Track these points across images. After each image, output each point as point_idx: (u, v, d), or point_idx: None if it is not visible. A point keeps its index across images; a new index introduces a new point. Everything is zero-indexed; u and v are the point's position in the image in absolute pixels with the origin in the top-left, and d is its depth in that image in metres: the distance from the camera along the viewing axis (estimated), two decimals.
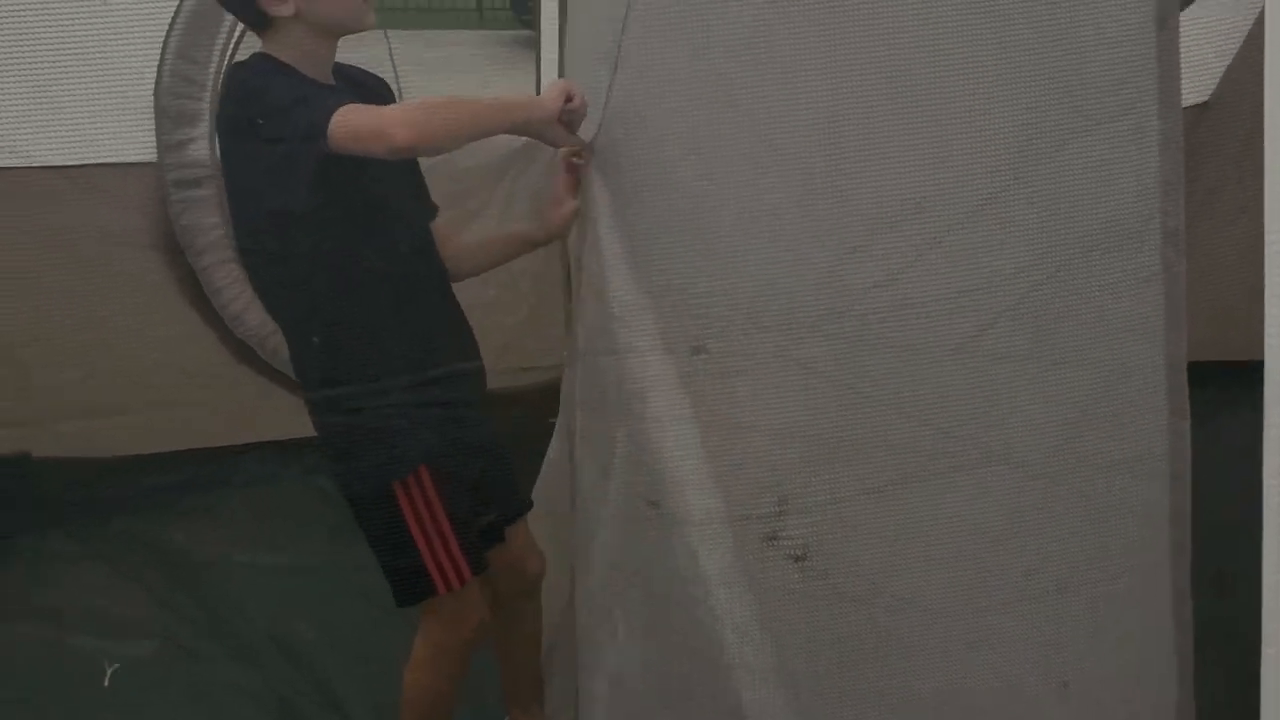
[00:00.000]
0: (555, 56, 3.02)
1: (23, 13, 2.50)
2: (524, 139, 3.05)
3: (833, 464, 1.13)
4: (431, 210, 1.91)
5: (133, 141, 2.66)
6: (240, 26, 2.59)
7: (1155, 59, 1.14)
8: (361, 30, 1.72)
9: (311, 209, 1.65)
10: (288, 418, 3.03)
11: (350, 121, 1.57)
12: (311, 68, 1.68)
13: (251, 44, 1.83)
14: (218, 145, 1.77)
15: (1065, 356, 1.13)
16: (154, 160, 2.67)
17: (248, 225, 1.79)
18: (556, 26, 2.97)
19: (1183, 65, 2.63)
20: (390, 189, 1.80)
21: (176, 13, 2.56)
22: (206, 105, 2.65)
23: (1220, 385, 1.87)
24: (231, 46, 2.62)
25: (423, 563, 1.80)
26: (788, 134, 1.12)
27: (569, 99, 1.59)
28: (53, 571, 2.78)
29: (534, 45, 3.18)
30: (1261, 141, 1.10)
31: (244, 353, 2.96)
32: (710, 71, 1.21)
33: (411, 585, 1.84)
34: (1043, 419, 1.15)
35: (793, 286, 1.12)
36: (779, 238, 1.13)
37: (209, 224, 2.76)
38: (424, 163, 1.87)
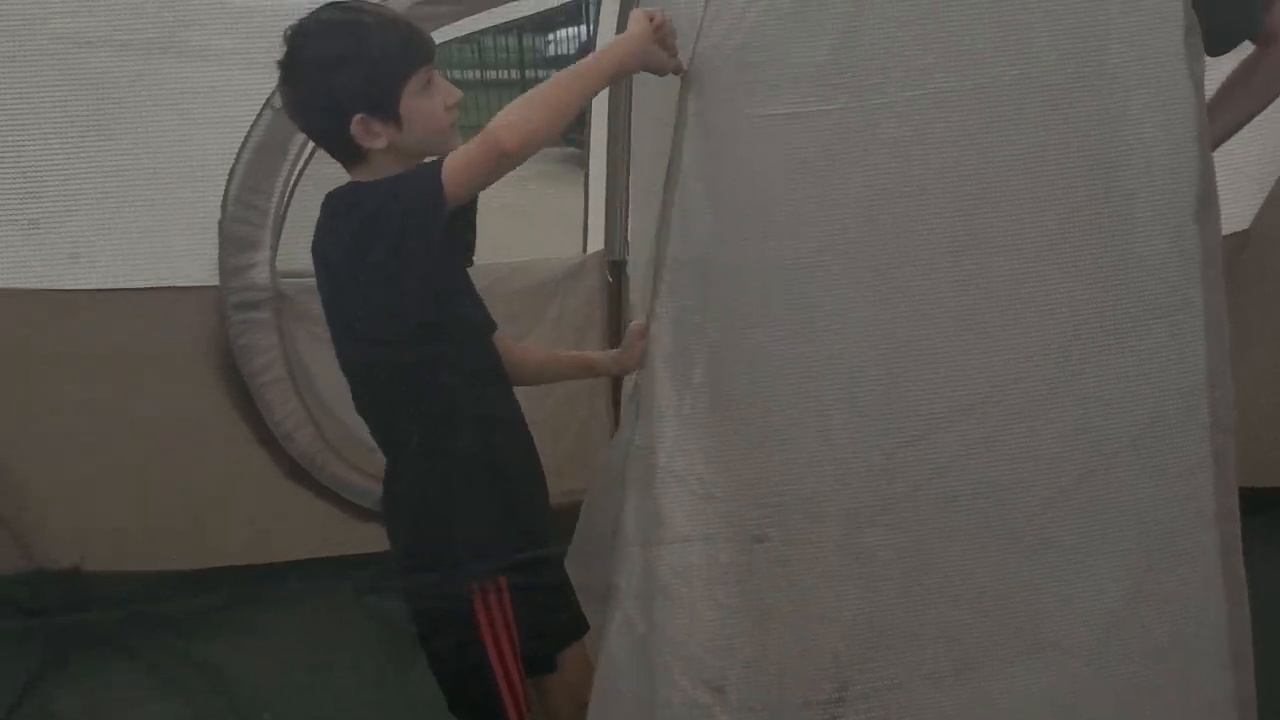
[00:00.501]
0: (602, 172, 3.11)
1: (94, 139, 2.60)
2: (573, 260, 3.16)
3: (891, 651, 1.13)
4: (493, 323, 1.95)
5: (195, 265, 2.73)
6: (304, 158, 2.71)
7: (1199, 249, 1.16)
8: (447, 152, 1.74)
9: (425, 319, 1.72)
10: (336, 535, 3.10)
11: (457, 159, 1.63)
12: None
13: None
14: (326, 268, 1.78)
15: (1115, 545, 1.13)
16: (215, 284, 2.74)
17: (364, 333, 1.79)
18: (605, 146, 3.06)
19: (1223, 192, 2.65)
20: (474, 303, 1.87)
21: (244, 143, 2.64)
22: (268, 232, 2.73)
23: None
24: (295, 176, 2.71)
25: (494, 681, 1.81)
26: (838, 337, 1.15)
27: (652, 20, 1.60)
28: (99, 684, 2.80)
29: (582, 162, 3.27)
30: None
31: (294, 470, 3.00)
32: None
33: (477, 703, 1.85)
34: (1092, 606, 1.14)
35: (850, 479, 1.14)
36: (831, 435, 1.14)
37: (266, 344, 2.82)
38: (477, 285, 1.91)
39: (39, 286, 2.67)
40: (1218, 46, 2.04)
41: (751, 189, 1.27)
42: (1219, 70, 2.09)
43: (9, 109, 2.51)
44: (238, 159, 2.64)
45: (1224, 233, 3.08)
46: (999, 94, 1.11)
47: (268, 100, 2.60)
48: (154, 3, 2.53)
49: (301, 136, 2.64)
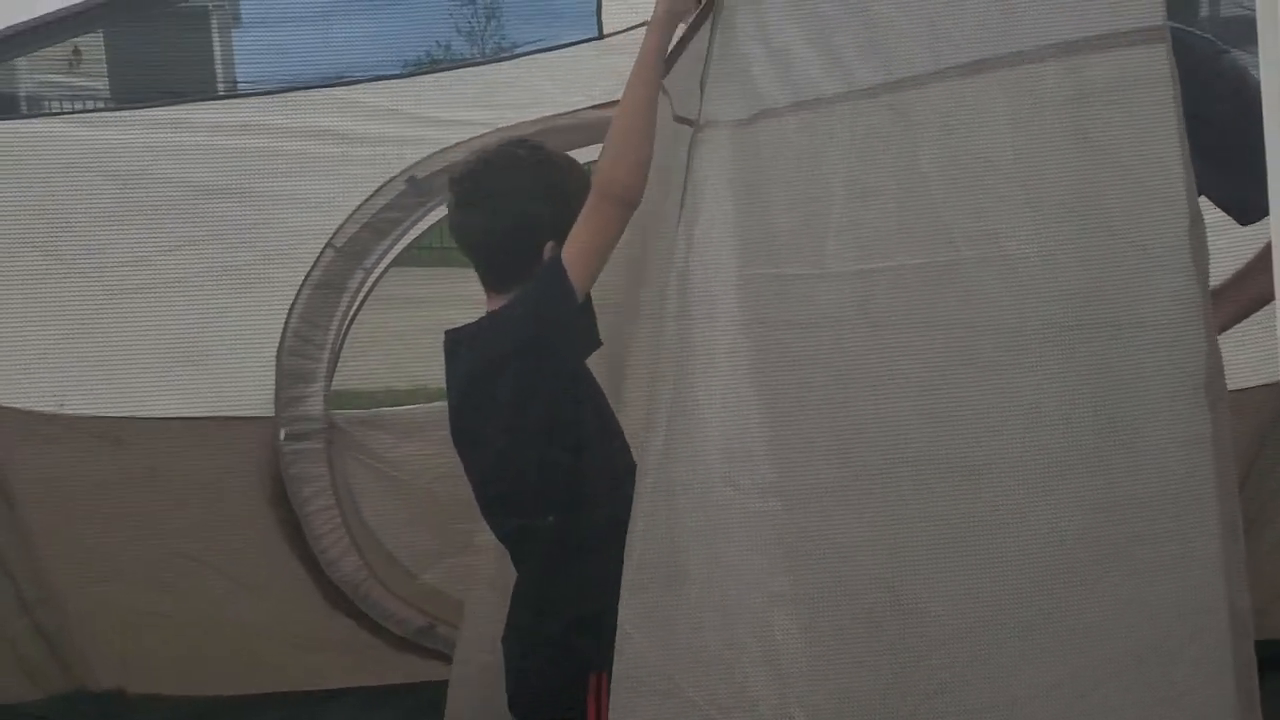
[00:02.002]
0: None
1: (160, 276, 2.73)
2: None
3: None
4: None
5: (253, 397, 2.83)
6: (362, 295, 2.83)
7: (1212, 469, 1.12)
8: None
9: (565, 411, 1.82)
10: (378, 664, 3.12)
11: (581, 238, 1.74)
12: None
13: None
14: (473, 399, 1.89)
15: None
16: (269, 415, 2.84)
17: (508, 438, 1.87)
18: None
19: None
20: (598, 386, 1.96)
21: (305, 279, 2.77)
22: (324, 365, 2.83)
23: None
24: (353, 312, 2.83)
25: None
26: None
27: None
28: None
29: None
30: None
31: (338, 598, 3.04)
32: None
33: None
34: None
35: (858, 696, 1.15)
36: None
37: (315, 474, 2.89)
38: None
39: (109, 414, 2.77)
40: (1250, 216, 2.06)
41: None
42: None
43: None
44: (298, 295, 2.76)
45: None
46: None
47: (329, 240, 2.74)
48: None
49: (361, 275, 2.79)
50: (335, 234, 2.73)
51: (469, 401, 1.89)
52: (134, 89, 2.88)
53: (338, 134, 2.63)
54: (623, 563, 1.84)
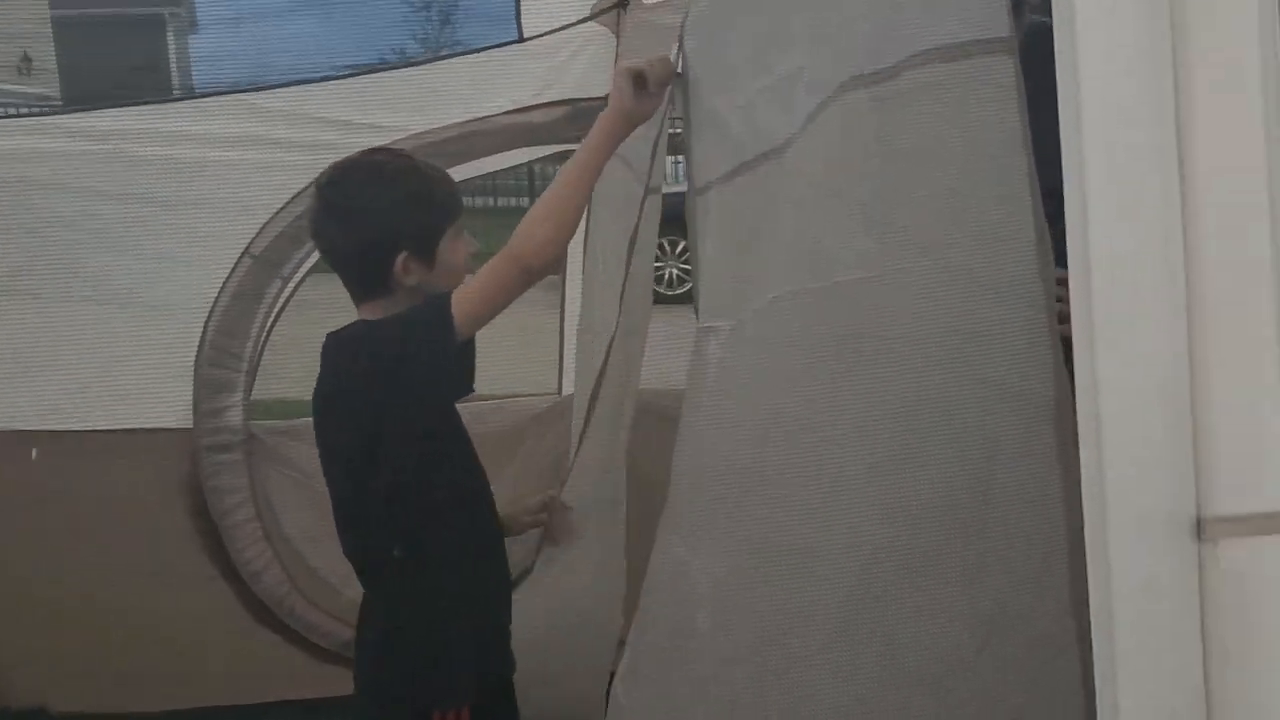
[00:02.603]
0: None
1: (74, 286, 2.69)
2: (543, 405, 3.20)
3: None
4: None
5: (172, 409, 2.79)
6: (280, 304, 2.78)
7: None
8: None
9: (424, 448, 1.77)
10: (304, 678, 3.07)
11: (477, 288, 1.70)
12: None
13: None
14: (333, 401, 1.83)
15: None
16: (188, 426, 2.79)
17: (362, 463, 1.81)
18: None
19: None
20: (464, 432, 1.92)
21: (222, 289, 2.72)
22: (242, 375, 2.79)
23: None
24: (270, 322, 2.78)
25: None
26: None
27: (638, 76, 1.67)
28: None
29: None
30: None
31: (262, 612, 2.99)
32: None
33: None
34: None
35: None
36: None
37: (237, 485, 2.85)
38: None
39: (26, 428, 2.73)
40: None
41: None
42: None
43: None
44: (215, 305, 2.72)
45: None
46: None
47: (246, 249, 2.69)
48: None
49: (279, 284, 2.75)
50: (252, 242, 2.68)
51: (332, 411, 1.84)
52: (88, 96, 2.85)
53: (253, 140, 2.59)
54: (469, 602, 1.84)
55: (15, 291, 2.65)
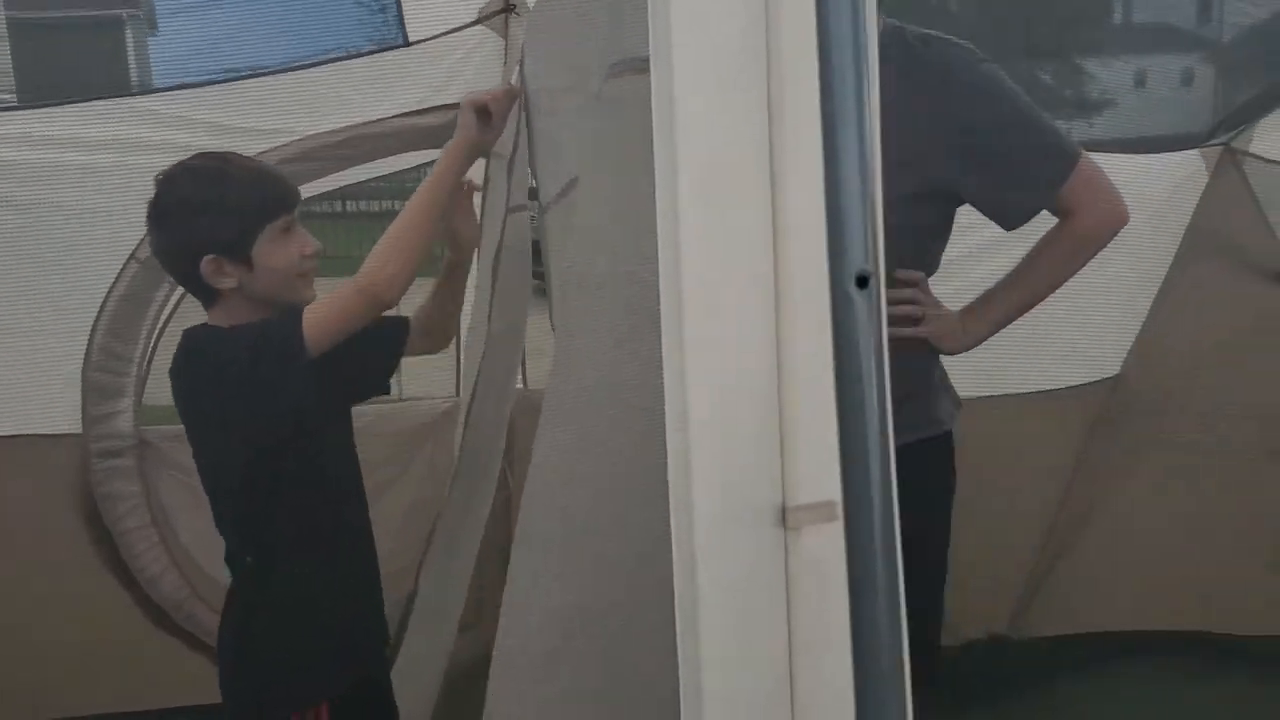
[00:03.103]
0: None
1: None
2: (440, 409, 3.20)
3: None
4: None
5: (58, 414, 2.77)
6: (169, 307, 2.77)
7: None
8: (297, 299, 1.81)
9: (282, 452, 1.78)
10: (202, 682, 3.05)
11: (325, 309, 1.72)
12: None
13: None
14: (185, 399, 1.84)
15: None
16: (78, 432, 2.77)
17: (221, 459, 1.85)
18: None
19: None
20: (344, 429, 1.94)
21: (109, 293, 2.71)
22: (132, 380, 2.78)
23: None
24: (159, 326, 2.77)
25: None
26: None
27: (481, 110, 1.75)
28: None
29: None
30: None
31: (159, 617, 2.98)
32: None
33: None
34: None
35: None
36: None
37: (129, 491, 2.83)
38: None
39: None
40: (1012, 221, 2.09)
41: None
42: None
43: None
44: (101, 308, 2.70)
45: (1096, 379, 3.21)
46: None
47: (132, 253, 2.68)
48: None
49: (167, 288, 2.73)
50: (138, 247, 2.67)
51: (189, 413, 1.84)
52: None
53: (134, 144, 2.57)
54: (326, 602, 1.85)
55: None
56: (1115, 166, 2.18)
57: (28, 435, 2.79)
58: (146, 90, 2.62)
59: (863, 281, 0.63)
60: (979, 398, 2.75)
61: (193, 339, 1.82)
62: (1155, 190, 3.08)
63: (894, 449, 0.75)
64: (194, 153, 1.90)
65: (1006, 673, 3.28)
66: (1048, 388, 3.18)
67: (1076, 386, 3.26)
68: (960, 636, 3.29)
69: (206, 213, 1.76)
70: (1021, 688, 3.22)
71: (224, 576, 2.02)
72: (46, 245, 2.64)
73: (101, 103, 2.59)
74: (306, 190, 2.49)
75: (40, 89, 2.85)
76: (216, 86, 2.64)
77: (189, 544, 2.90)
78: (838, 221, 0.59)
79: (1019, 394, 3.13)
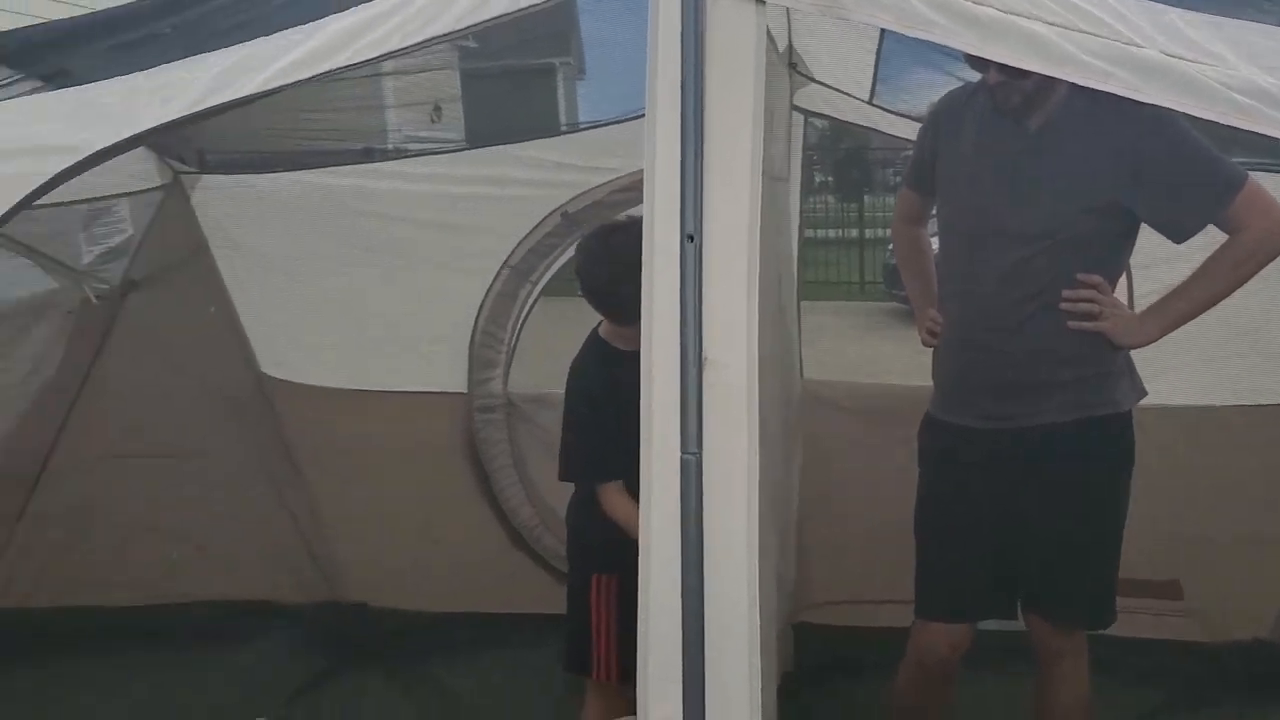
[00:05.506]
0: None
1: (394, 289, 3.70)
2: None
3: None
4: None
5: (454, 377, 3.76)
6: (529, 304, 3.69)
7: None
8: None
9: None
10: (547, 596, 3.78)
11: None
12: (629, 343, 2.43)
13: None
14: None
15: None
16: (464, 391, 3.75)
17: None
18: None
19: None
20: None
21: (488, 290, 3.67)
22: (503, 355, 3.72)
23: None
24: (523, 316, 3.70)
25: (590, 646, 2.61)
26: None
27: None
28: (359, 698, 3.54)
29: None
30: None
31: (516, 539, 3.87)
32: None
33: (577, 657, 2.65)
34: None
35: None
36: None
37: (499, 439, 3.78)
38: None
39: (350, 387, 3.78)
40: (1181, 235, 2.44)
41: None
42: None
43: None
44: (483, 302, 3.66)
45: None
46: None
47: (505, 260, 3.62)
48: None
49: (529, 288, 3.65)
50: (510, 255, 3.60)
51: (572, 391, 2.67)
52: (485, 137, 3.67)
53: (510, 180, 3.50)
54: None
55: (352, 290, 3.69)
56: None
57: (435, 393, 3.78)
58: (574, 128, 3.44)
59: None
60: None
61: (591, 345, 2.63)
62: None
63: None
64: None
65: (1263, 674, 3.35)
66: None
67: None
68: (1222, 635, 3.46)
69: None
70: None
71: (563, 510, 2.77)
72: (453, 255, 3.60)
73: (489, 150, 3.53)
74: None
75: (482, 133, 3.66)
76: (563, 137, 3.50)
77: (538, 482, 3.77)
78: None
79: None
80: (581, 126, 3.69)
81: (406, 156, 3.76)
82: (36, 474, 3.72)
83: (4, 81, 2.13)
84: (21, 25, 2.44)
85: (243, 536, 3.72)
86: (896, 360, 4.20)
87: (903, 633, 2.73)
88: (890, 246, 5.03)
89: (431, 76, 3.29)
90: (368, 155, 3.72)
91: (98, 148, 1.58)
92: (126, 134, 1.59)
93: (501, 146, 3.55)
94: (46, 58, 2.22)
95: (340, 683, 3.62)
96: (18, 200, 1.60)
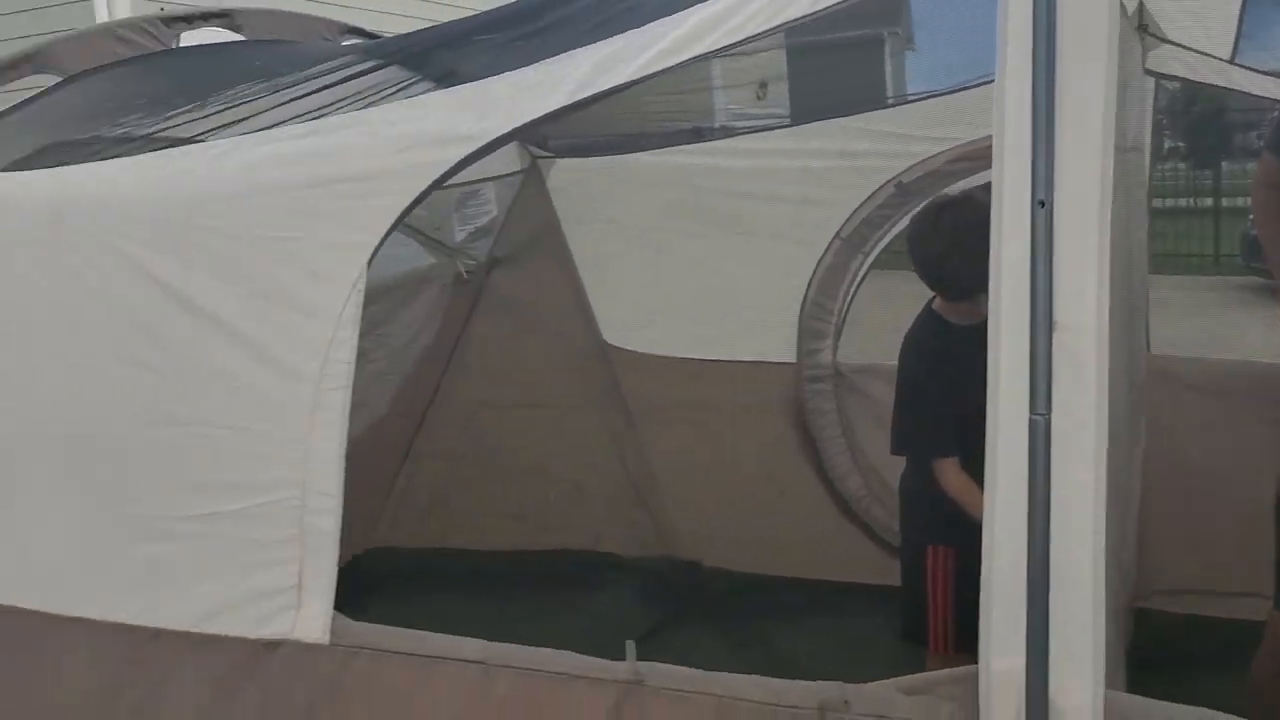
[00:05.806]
0: None
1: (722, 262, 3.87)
2: None
3: None
4: None
5: (784, 349, 3.89)
6: (861, 274, 3.74)
7: None
8: None
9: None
10: (875, 568, 3.66)
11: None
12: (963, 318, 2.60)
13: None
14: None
15: None
16: (793, 361, 3.87)
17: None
18: None
19: None
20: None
21: (819, 261, 3.76)
22: (832, 326, 3.80)
23: None
24: (854, 287, 3.76)
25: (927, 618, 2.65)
26: None
27: None
28: (690, 650, 3.73)
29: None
30: None
31: (844, 508, 3.94)
32: None
33: (916, 628, 2.69)
34: None
35: None
36: None
37: (827, 409, 3.86)
38: None
39: (686, 356, 3.99)
40: None
41: None
42: None
43: None
44: (814, 274, 3.75)
45: None
46: None
47: (837, 232, 3.69)
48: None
49: (860, 259, 3.71)
50: (842, 227, 3.68)
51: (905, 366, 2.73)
52: (810, 112, 3.74)
53: (838, 153, 3.57)
54: None
55: (690, 262, 3.89)
56: None
57: (767, 362, 3.92)
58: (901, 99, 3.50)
59: None
60: None
61: (925, 319, 2.69)
62: None
63: None
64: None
65: None
66: None
67: None
68: None
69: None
70: None
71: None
72: (786, 226, 3.72)
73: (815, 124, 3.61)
74: None
75: (807, 109, 3.74)
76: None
77: (869, 453, 3.83)
78: None
79: None
80: (910, 97, 3.68)
81: (735, 134, 3.87)
82: (418, 423, 4.22)
83: (405, 83, 2.43)
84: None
85: (586, 488, 4.03)
86: (1254, 336, 3.92)
87: (1247, 626, 2.61)
88: (1250, 216, 4.70)
89: (759, 59, 3.39)
90: (697, 135, 3.87)
91: (493, 136, 1.82)
92: (519, 123, 1.81)
93: (832, 120, 3.60)
94: (439, 59, 2.51)
95: (676, 634, 3.72)
96: (429, 184, 1.85)
